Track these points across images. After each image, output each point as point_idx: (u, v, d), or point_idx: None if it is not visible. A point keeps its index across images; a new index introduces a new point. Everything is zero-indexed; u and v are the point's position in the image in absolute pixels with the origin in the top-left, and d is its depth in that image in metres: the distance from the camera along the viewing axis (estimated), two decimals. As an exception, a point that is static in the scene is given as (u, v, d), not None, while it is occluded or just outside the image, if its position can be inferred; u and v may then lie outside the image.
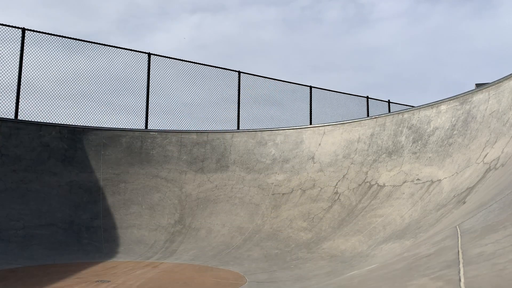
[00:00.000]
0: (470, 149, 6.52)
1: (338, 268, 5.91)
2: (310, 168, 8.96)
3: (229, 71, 13.93)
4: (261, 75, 14.43)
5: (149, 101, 12.06)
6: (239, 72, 13.94)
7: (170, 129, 11.09)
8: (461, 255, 1.61)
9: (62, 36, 11.37)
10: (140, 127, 11.59)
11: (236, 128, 13.50)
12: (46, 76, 11.26)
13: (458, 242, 1.88)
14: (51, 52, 11.27)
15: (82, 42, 11.72)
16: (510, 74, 6.42)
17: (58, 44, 11.38)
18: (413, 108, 8.16)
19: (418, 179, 7.05)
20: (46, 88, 11.25)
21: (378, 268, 1.95)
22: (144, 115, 11.93)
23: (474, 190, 5.42)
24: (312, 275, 5.85)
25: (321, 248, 6.90)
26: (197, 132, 10.40)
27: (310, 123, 14.65)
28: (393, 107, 18.32)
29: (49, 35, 11.15)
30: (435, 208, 6.05)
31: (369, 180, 7.83)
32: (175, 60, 13.26)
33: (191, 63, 13.41)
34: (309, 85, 15.91)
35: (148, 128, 11.79)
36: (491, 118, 6.45)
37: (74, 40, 11.59)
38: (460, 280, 1.29)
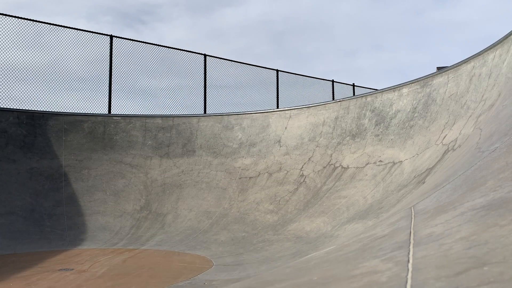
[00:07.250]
0: (430, 131, 6.71)
1: (303, 249, 6.02)
2: (276, 151, 9.01)
3: (195, 54, 13.71)
4: (227, 59, 14.31)
5: (112, 86, 11.75)
6: (205, 56, 13.74)
7: (134, 113, 10.86)
8: (413, 236, 1.65)
9: (22, 18, 10.84)
10: (103, 112, 11.29)
11: (202, 112, 13.37)
12: (2, 59, 10.75)
13: (411, 223, 1.94)
14: (8, 35, 10.74)
15: (43, 24, 11.22)
16: (468, 58, 6.61)
17: (17, 26, 10.85)
18: (376, 92, 8.30)
19: (380, 161, 7.22)
20: (3, 72, 10.75)
21: (335, 250, 1.99)
22: (107, 100, 11.63)
23: (433, 171, 5.60)
24: (277, 256, 5.93)
25: (287, 230, 7.00)
26: (162, 116, 10.23)
27: (277, 107, 14.69)
28: (358, 91, 18.60)
29: (5, 16, 10.61)
30: (396, 189, 6.23)
31: (333, 162, 7.96)
32: (139, 43, 12.92)
33: (155, 46, 13.12)
34: (276, 68, 15.91)
35: (112, 113, 11.50)
36: (450, 100, 6.65)
37: (35, 22, 11.07)
38: (408, 261, 1.33)
